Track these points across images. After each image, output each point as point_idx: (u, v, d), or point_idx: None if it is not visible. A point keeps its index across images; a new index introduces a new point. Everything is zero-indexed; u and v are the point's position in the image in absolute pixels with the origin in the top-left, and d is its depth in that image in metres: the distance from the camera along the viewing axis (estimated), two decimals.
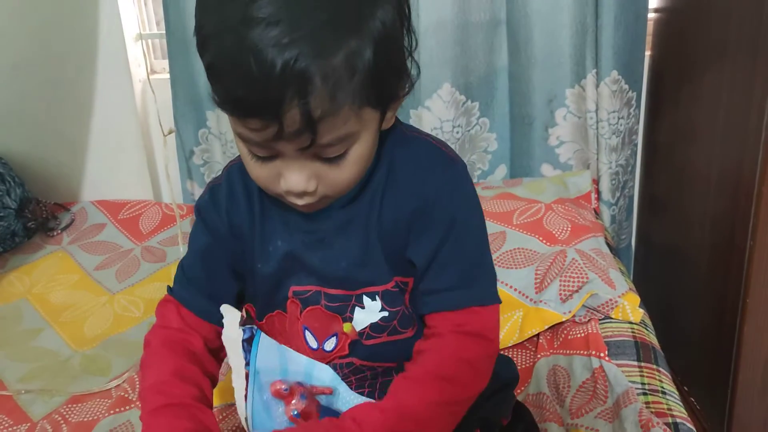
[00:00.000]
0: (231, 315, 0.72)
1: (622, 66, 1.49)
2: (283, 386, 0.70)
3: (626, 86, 1.51)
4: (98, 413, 1.11)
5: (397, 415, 0.65)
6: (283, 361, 0.72)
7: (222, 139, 1.67)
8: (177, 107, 1.67)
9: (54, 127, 1.73)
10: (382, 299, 0.70)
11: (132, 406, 1.12)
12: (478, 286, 0.69)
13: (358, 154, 0.62)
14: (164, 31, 1.60)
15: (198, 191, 1.76)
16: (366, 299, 0.70)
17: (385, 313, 0.71)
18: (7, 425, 1.12)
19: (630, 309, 1.15)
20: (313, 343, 0.73)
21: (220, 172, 1.79)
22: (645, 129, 1.65)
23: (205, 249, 0.74)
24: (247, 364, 0.71)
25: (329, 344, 0.73)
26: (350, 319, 0.71)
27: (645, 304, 1.22)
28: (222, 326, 0.74)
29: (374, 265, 0.69)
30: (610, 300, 1.16)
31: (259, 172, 0.63)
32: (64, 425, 1.10)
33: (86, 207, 1.72)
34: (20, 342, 1.32)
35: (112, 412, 1.10)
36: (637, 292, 1.22)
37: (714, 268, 1.32)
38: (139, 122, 1.72)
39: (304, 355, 0.74)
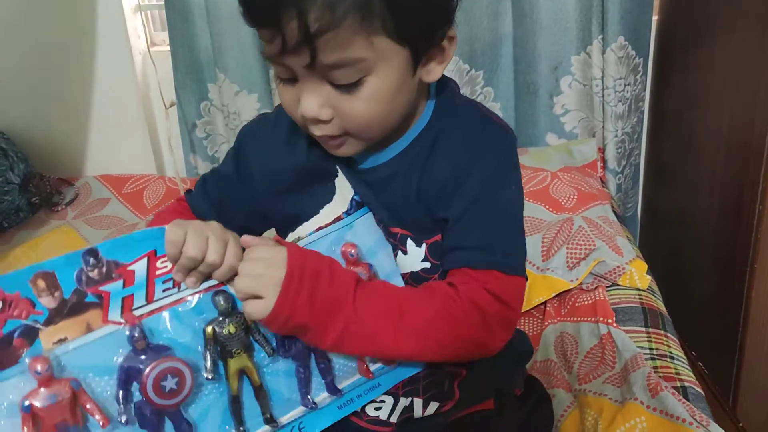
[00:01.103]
0: None
1: (629, 31, 1.46)
2: (353, 250, 0.64)
3: (633, 52, 1.49)
4: None
5: (398, 310, 0.63)
6: (371, 242, 0.67)
7: (224, 112, 1.66)
8: (178, 79, 1.65)
9: (54, 102, 1.72)
10: (428, 248, 0.68)
11: None
12: (503, 253, 0.66)
13: (376, 89, 0.61)
14: (163, 2, 1.58)
15: (201, 165, 1.75)
16: (410, 243, 0.68)
17: (428, 264, 0.69)
18: None
19: (637, 275, 1.15)
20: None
21: (223, 145, 1.77)
22: (652, 96, 1.63)
23: (229, 177, 0.74)
24: (346, 213, 0.68)
25: None
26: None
27: (652, 271, 1.22)
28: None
29: (414, 220, 0.68)
30: (618, 267, 1.16)
31: (284, 96, 0.64)
32: None
33: (90, 182, 1.71)
34: None
35: None
36: (644, 260, 1.22)
37: (721, 234, 1.31)
38: (140, 95, 1.70)
39: None
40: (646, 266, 1.18)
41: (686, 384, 0.93)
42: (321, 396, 0.64)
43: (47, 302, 0.53)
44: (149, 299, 0.57)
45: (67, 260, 0.55)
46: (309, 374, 0.64)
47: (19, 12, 1.62)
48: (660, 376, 0.92)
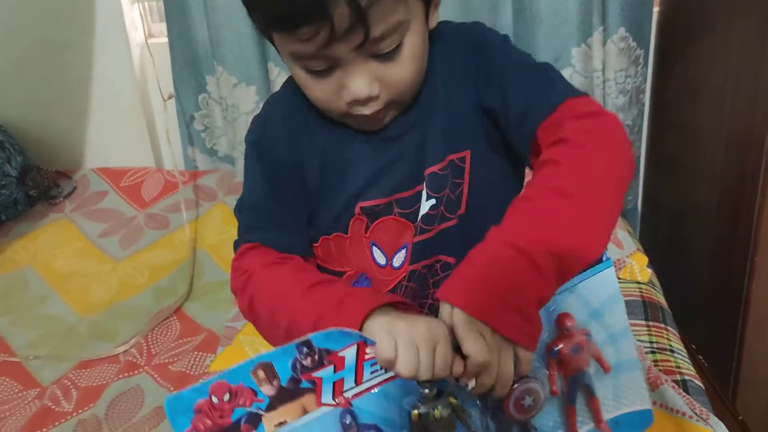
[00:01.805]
0: None
1: (630, 23, 1.45)
2: (569, 324, 0.61)
3: (634, 44, 1.48)
4: (107, 378, 1.12)
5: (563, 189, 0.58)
6: (597, 302, 0.64)
7: (222, 104, 1.65)
8: (176, 72, 1.64)
9: (52, 94, 1.71)
10: (427, 186, 0.68)
11: (140, 370, 1.12)
12: (560, 82, 0.66)
13: (413, 46, 0.62)
14: None
15: (200, 157, 1.74)
16: (424, 193, 0.69)
17: (433, 201, 0.69)
18: (17, 390, 1.12)
19: (638, 269, 1.15)
20: (381, 260, 0.71)
21: (221, 138, 1.77)
22: (653, 88, 1.62)
23: (270, 181, 0.71)
24: None
25: (398, 259, 0.71)
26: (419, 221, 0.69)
27: (652, 264, 1.21)
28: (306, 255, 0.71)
29: (431, 146, 0.69)
30: (618, 260, 1.16)
31: (319, 90, 0.63)
32: (73, 390, 1.10)
33: (88, 175, 1.71)
34: (27, 309, 1.33)
35: (120, 376, 1.11)
36: (644, 252, 1.22)
37: (722, 227, 1.31)
38: (137, 87, 1.69)
39: (371, 274, 0.71)
40: (646, 259, 1.18)
41: (686, 377, 0.93)
42: None
43: (267, 390, 0.58)
44: (358, 381, 0.59)
45: (283, 352, 0.58)
46: None
47: (17, 4, 1.61)
48: (660, 370, 0.92)
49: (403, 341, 0.55)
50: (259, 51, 1.56)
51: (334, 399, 0.58)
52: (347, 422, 0.58)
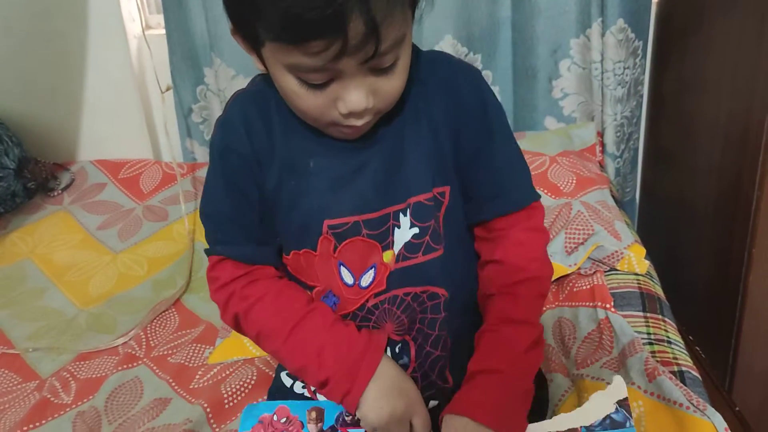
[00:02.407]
0: None
1: (629, 14, 1.45)
2: None
3: (632, 35, 1.47)
4: (106, 370, 1.12)
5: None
6: None
7: (221, 96, 1.65)
8: (174, 63, 1.64)
9: (49, 86, 1.70)
10: (411, 215, 0.70)
11: (139, 362, 1.13)
12: (529, 183, 0.75)
13: (405, 60, 0.64)
14: None
15: (198, 150, 1.74)
16: (401, 216, 0.70)
17: (416, 230, 0.70)
18: (16, 382, 1.13)
19: (636, 260, 1.15)
20: (349, 279, 0.72)
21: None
22: (651, 79, 1.62)
23: (232, 192, 0.71)
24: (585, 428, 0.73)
25: (366, 279, 0.72)
26: (392, 245, 0.70)
27: (649, 256, 1.22)
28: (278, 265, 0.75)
29: (413, 174, 0.70)
30: (616, 252, 1.16)
31: (311, 102, 0.62)
32: (72, 382, 1.11)
33: (86, 167, 1.70)
34: (26, 301, 1.33)
35: (119, 368, 1.11)
36: (642, 244, 1.22)
37: (719, 219, 1.31)
38: (135, 79, 1.69)
39: (338, 292, 0.73)
40: (644, 251, 1.18)
41: (683, 368, 0.93)
42: None
43: (312, 428, 0.71)
44: None
45: (335, 405, 0.71)
46: None
47: None
48: (657, 361, 0.93)
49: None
50: None
51: None
52: None
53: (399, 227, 0.70)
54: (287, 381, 0.80)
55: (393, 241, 0.70)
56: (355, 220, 0.69)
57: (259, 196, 0.72)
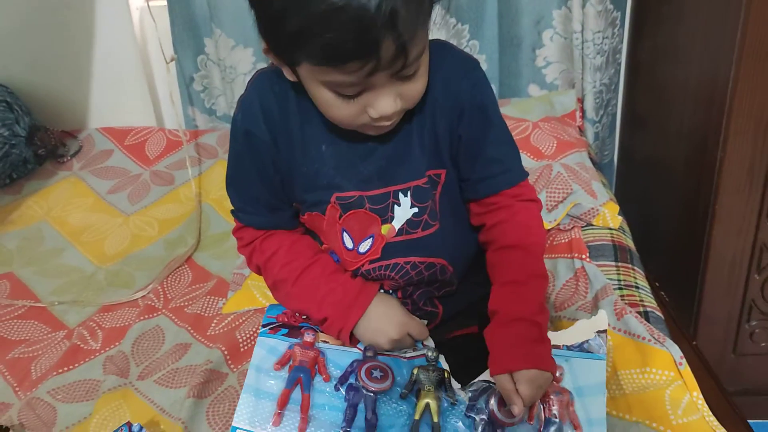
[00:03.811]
0: None
1: None
2: (558, 372, 0.80)
3: (611, 6, 1.57)
4: (129, 320, 1.23)
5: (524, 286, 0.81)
6: (584, 383, 0.82)
7: (221, 66, 1.72)
8: (175, 34, 1.71)
9: (56, 57, 1.76)
10: (412, 196, 0.80)
11: (159, 313, 1.23)
12: (519, 164, 0.85)
13: (426, 64, 0.71)
14: None
15: (199, 117, 1.82)
16: (401, 195, 0.80)
17: (416, 209, 0.81)
18: (46, 332, 1.23)
19: (610, 216, 1.26)
20: (349, 244, 0.84)
21: (220, 98, 1.84)
22: (628, 48, 1.71)
23: (251, 167, 0.82)
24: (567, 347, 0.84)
25: (364, 246, 0.83)
26: (391, 219, 0.81)
27: (627, 215, 1.33)
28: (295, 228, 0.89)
29: (410, 162, 0.79)
30: (592, 209, 1.27)
31: (344, 111, 0.70)
32: (99, 331, 1.21)
33: (93, 134, 1.78)
34: (46, 260, 1.42)
35: (141, 318, 1.21)
36: (619, 203, 1.33)
37: (688, 179, 1.42)
38: (138, 50, 1.76)
39: (340, 254, 0.85)
40: (618, 208, 1.30)
41: (648, 309, 1.05)
42: None
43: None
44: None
45: None
46: None
47: None
48: (625, 303, 1.05)
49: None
50: None
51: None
52: (369, 354, 0.81)
53: (399, 205, 0.81)
54: None
55: (392, 217, 0.81)
56: (360, 194, 0.80)
57: (276, 173, 0.82)
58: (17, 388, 1.10)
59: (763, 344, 1.45)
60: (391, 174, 0.80)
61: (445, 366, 0.82)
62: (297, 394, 0.78)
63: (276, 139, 0.80)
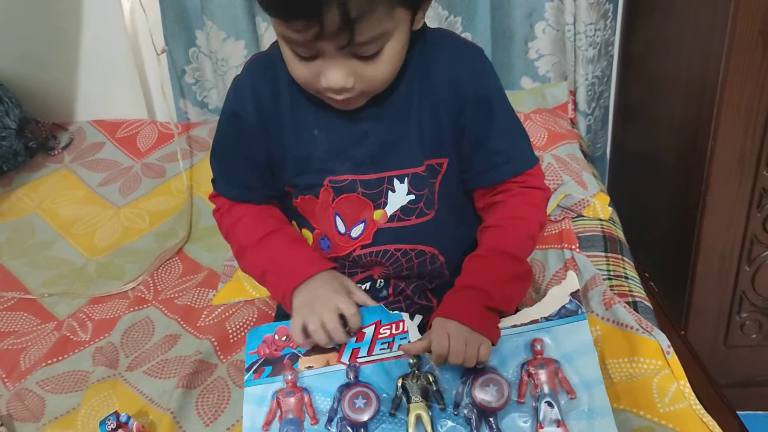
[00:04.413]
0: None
1: None
2: (538, 345, 0.79)
3: None
4: (119, 311, 1.23)
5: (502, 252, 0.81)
6: (569, 348, 0.80)
7: (212, 58, 1.72)
8: (166, 26, 1.70)
9: (46, 49, 1.75)
10: (409, 183, 0.80)
11: (149, 304, 1.23)
12: (525, 152, 0.84)
13: (392, 52, 0.70)
14: None
15: (191, 109, 1.81)
16: (396, 182, 0.80)
17: (412, 197, 0.81)
18: (35, 323, 1.23)
19: (600, 207, 1.27)
20: (342, 228, 0.84)
21: (211, 91, 1.83)
22: (621, 41, 1.71)
23: (235, 145, 0.83)
24: (545, 319, 0.82)
25: (356, 231, 0.83)
26: (384, 205, 0.81)
27: (619, 207, 1.33)
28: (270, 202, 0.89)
29: (406, 149, 0.79)
30: (583, 200, 1.27)
31: (300, 71, 0.71)
32: (88, 322, 1.21)
33: (84, 126, 1.77)
34: (37, 252, 1.42)
35: (131, 309, 1.21)
36: (611, 195, 1.33)
37: (679, 170, 1.42)
38: (129, 42, 1.75)
39: (332, 238, 0.85)
40: (608, 199, 1.30)
41: (637, 299, 1.05)
42: None
43: (309, 344, 0.81)
44: (369, 353, 0.81)
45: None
46: None
47: None
48: (614, 293, 1.05)
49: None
50: (247, 6, 1.62)
51: (349, 361, 0.80)
52: (350, 377, 0.79)
53: (394, 191, 0.80)
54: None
55: (386, 202, 0.81)
56: (353, 178, 0.80)
57: (264, 156, 0.83)
58: (5, 379, 1.10)
59: (754, 336, 1.45)
60: (385, 159, 0.79)
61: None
62: None
63: (265, 123, 0.80)
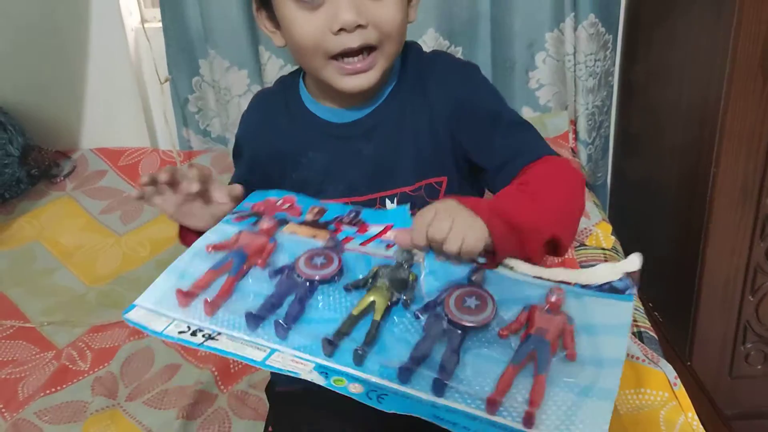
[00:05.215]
0: None
1: (599, 9, 1.56)
2: (558, 295, 0.61)
3: (603, 29, 1.58)
4: (118, 340, 1.21)
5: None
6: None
7: (215, 87, 1.73)
8: (170, 55, 1.72)
9: (51, 78, 1.77)
10: (398, 202, 0.79)
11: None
12: (538, 143, 0.75)
13: None
14: None
15: (194, 138, 1.82)
16: (387, 202, 0.79)
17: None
18: (34, 353, 1.21)
19: (602, 236, 1.26)
20: None
21: (214, 120, 1.85)
22: (620, 70, 1.73)
23: (243, 174, 0.84)
24: None
25: None
26: None
27: (621, 236, 1.33)
28: None
29: (402, 168, 0.79)
30: (585, 229, 1.27)
31: (308, 27, 0.71)
32: (88, 351, 1.20)
33: (86, 154, 1.78)
34: (38, 280, 1.41)
35: (131, 339, 1.20)
36: (612, 224, 1.33)
37: (681, 197, 1.42)
38: (133, 70, 1.77)
39: None
40: (610, 228, 1.30)
41: (642, 329, 1.05)
42: (420, 386, 0.56)
43: (308, 217, 0.74)
44: (362, 245, 0.69)
45: (341, 208, 0.75)
46: (425, 357, 0.58)
47: None
48: None
49: None
50: (251, 35, 1.64)
51: (335, 242, 0.70)
52: (326, 245, 0.69)
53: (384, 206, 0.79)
54: None
55: None
56: (345, 201, 0.79)
57: (261, 182, 0.82)
58: (3, 410, 1.09)
59: (759, 367, 1.43)
60: (378, 180, 0.79)
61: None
62: (224, 278, 0.65)
63: (263, 154, 0.83)
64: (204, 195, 0.74)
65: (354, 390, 0.56)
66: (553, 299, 0.60)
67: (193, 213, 0.74)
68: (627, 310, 0.62)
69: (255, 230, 0.71)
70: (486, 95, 0.79)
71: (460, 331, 0.59)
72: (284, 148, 0.81)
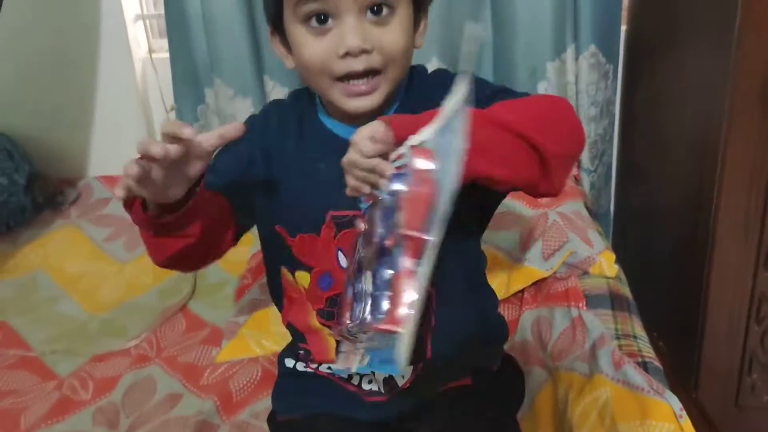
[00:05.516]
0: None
1: (600, 39, 1.58)
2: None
3: (603, 59, 1.60)
4: (120, 369, 1.21)
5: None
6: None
7: (220, 115, 1.75)
8: (176, 84, 1.74)
9: (58, 107, 1.79)
10: None
11: (151, 362, 1.21)
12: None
13: (401, 20, 0.76)
14: (163, 11, 1.67)
15: None
16: None
17: None
18: (36, 382, 1.21)
19: (606, 265, 1.26)
20: (344, 263, 0.83)
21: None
22: (622, 100, 1.74)
23: (227, 173, 0.83)
24: None
25: None
26: None
27: (624, 264, 1.32)
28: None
29: None
30: (588, 257, 1.26)
31: (316, 49, 0.75)
32: (89, 381, 1.19)
33: (91, 182, 1.79)
34: (41, 309, 1.41)
35: (133, 368, 1.20)
36: (616, 252, 1.33)
37: (684, 227, 1.42)
38: (140, 100, 1.79)
39: (334, 274, 0.84)
40: (614, 257, 1.29)
41: (647, 359, 1.04)
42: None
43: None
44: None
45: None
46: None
47: (25, 18, 1.70)
48: (623, 353, 1.03)
49: None
50: (255, 63, 1.66)
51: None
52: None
53: None
54: (289, 364, 0.92)
55: None
56: (354, 213, 0.80)
57: (252, 189, 0.84)
58: None
59: (766, 398, 1.42)
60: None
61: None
62: None
63: (269, 153, 0.84)
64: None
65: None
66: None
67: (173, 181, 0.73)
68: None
69: None
70: (487, 84, 0.82)
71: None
72: (293, 155, 0.83)
